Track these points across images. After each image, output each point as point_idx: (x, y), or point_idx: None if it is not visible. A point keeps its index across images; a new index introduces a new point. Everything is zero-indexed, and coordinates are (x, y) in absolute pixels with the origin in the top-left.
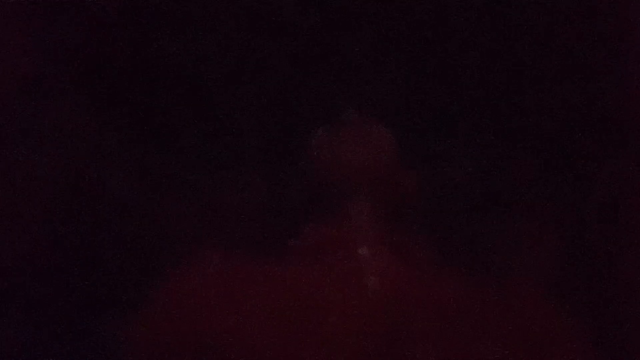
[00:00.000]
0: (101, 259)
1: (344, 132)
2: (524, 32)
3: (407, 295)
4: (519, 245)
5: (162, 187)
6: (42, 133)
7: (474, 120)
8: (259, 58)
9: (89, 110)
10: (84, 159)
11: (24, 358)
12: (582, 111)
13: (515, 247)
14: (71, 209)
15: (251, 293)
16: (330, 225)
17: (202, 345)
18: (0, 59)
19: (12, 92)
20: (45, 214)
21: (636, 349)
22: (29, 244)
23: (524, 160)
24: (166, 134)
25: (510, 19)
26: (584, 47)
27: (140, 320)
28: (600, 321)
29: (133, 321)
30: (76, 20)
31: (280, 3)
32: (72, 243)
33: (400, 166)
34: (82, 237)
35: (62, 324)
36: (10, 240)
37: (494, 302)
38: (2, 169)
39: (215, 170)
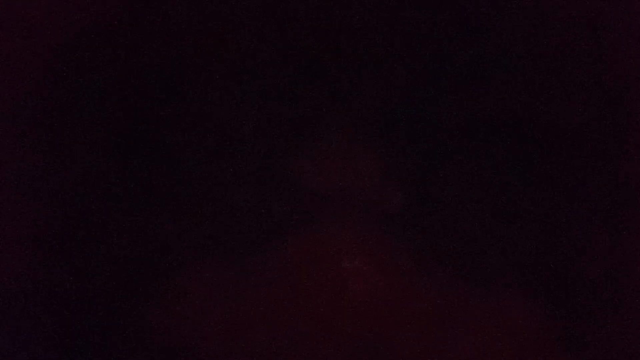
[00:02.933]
0: (94, 269)
1: (330, 149)
2: (516, 51)
3: (390, 304)
4: (501, 255)
5: (151, 199)
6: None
7: (457, 133)
8: (251, 75)
9: (88, 123)
10: (83, 170)
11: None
12: (567, 128)
13: (497, 256)
14: (70, 218)
15: (236, 304)
16: (315, 238)
17: (190, 352)
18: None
19: (14, 99)
20: (48, 222)
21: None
22: (28, 251)
23: (507, 175)
24: (157, 147)
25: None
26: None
27: (132, 326)
28: (583, 327)
29: (125, 327)
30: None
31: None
32: (70, 251)
33: (384, 180)
34: (79, 246)
35: (56, 330)
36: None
37: (476, 310)
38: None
39: (203, 186)
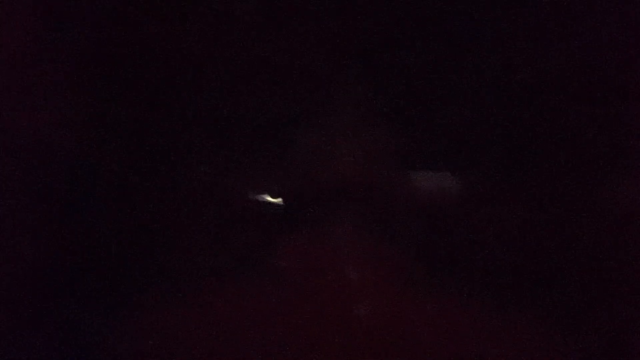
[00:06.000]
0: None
1: (333, 136)
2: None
3: (402, 323)
4: (523, 267)
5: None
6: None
7: (475, 133)
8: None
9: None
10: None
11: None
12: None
13: (520, 269)
14: (67, 219)
15: (228, 318)
16: (315, 242)
17: None
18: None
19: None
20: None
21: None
22: (26, 245)
23: (527, 177)
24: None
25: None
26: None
27: (129, 339)
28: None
29: (121, 342)
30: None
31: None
32: (66, 254)
33: (394, 176)
34: (76, 249)
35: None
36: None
37: (501, 330)
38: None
39: (192, 185)
